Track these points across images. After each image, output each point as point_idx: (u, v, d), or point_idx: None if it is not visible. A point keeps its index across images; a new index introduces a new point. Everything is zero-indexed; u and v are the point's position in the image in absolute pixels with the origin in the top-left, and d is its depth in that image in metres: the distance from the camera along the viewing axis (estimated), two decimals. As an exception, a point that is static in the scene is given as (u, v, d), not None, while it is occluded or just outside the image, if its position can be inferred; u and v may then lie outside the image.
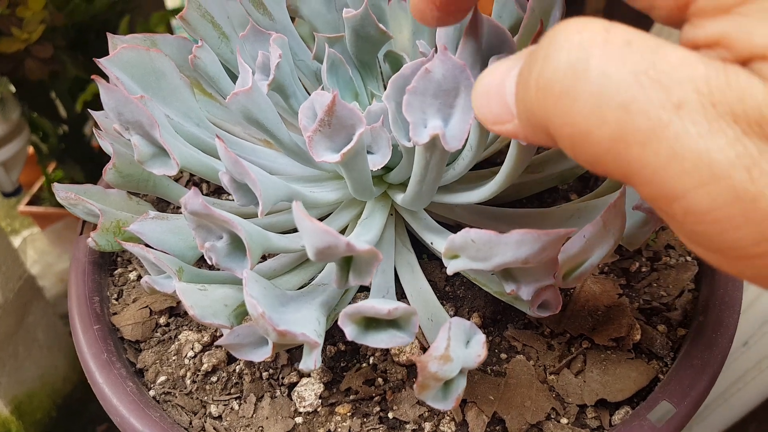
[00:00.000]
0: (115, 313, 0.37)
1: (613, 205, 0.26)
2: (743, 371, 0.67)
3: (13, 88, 0.79)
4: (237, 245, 0.27)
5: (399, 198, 0.33)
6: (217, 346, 0.34)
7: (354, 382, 0.32)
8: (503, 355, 0.33)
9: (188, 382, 0.33)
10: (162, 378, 0.33)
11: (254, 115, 0.30)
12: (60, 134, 0.92)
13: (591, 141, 0.15)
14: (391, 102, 0.25)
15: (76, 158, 0.94)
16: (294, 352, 0.34)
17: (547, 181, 0.39)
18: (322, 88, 0.34)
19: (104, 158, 0.34)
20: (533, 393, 0.31)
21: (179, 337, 0.35)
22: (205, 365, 0.33)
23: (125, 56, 0.31)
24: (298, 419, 0.31)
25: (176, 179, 0.44)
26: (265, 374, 0.33)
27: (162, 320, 0.36)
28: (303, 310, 0.27)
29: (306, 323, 0.26)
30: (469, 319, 0.35)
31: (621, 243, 0.30)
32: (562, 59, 0.15)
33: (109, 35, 0.34)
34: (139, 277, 0.39)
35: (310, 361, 0.25)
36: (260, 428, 0.31)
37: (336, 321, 0.25)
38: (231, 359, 0.34)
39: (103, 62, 0.30)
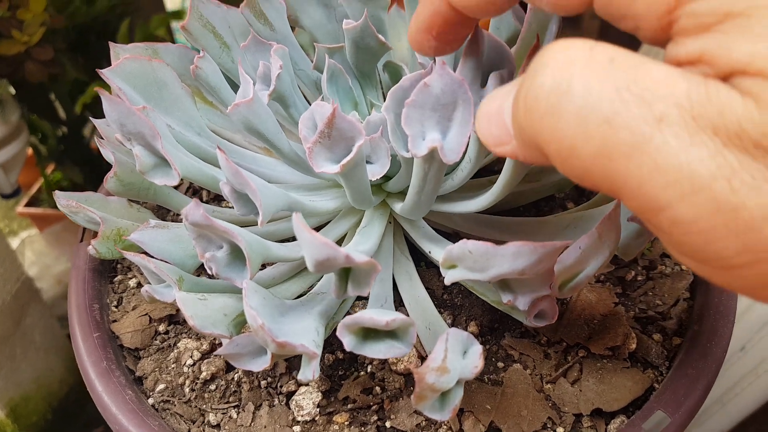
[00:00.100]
0: (114, 321, 0.37)
1: (608, 217, 0.26)
2: (741, 376, 0.67)
3: (12, 90, 0.79)
4: (237, 255, 0.27)
5: (398, 207, 0.33)
6: (216, 355, 0.35)
7: (352, 390, 0.32)
8: (500, 364, 0.33)
9: (187, 390, 0.33)
10: (161, 386, 0.33)
11: (255, 126, 0.30)
12: (59, 136, 0.93)
13: (578, 156, 0.15)
14: (390, 113, 0.25)
15: (74, 160, 0.95)
16: (292, 360, 0.34)
17: (544, 189, 0.40)
18: (322, 98, 0.34)
19: (103, 160, 0.34)
20: (530, 402, 0.31)
21: (178, 344, 0.35)
22: (204, 373, 0.34)
23: (128, 67, 0.31)
24: (296, 428, 0.31)
25: (176, 187, 0.44)
26: (263, 383, 0.33)
27: (161, 328, 0.37)
28: (302, 321, 0.28)
29: (305, 334, 0.26)
30: (466, 328, 0.35)
31: (616, 253, 0.30)
32: (547, 78, 0.15)
33: (112, 45, 0.34)
34: (139, 284, 0.39)
35: (309, 371, 0.25)
36: (259, 436, 0.31)
37: (334, 330, 0.25)
38: (230, 367, 0.34)
39: (106, 73, 0.31)
